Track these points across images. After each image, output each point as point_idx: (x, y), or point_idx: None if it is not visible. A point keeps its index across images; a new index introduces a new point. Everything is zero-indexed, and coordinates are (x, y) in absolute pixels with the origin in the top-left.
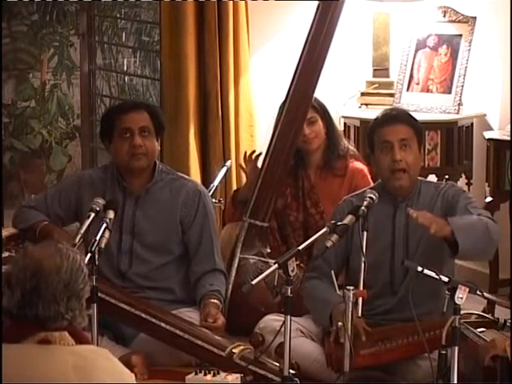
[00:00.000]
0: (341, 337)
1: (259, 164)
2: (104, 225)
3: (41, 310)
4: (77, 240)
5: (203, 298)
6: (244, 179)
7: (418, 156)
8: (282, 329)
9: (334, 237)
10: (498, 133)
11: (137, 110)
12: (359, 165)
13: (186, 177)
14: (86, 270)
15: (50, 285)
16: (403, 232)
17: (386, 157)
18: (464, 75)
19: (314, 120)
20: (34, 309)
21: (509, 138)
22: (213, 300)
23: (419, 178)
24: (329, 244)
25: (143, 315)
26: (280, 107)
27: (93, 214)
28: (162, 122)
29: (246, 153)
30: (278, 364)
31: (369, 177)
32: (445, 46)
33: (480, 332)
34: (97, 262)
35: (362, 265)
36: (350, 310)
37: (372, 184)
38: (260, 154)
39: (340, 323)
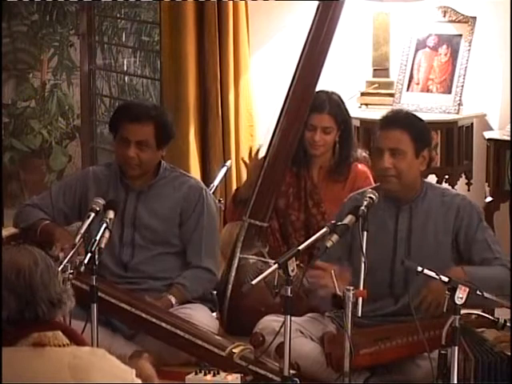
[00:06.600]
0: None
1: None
2: (104, 225)
3: (43, 306)
4: (77, 240)
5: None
6: (244, 178)
7: (412, 162)
8: (282, 329)
9: (334, 237)
10: (498, 133)
11: (141, 122)
12: (362, 167)
13: (190, 175)
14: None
15: (36, 278)
16: (406, 235)
17: (378, 162)
18: (464, 75)
19: (330, 131)
20: (35, 307)
21: (509, 138)
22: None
23: (426, 181)
24: (329, 244)
25: (143, 315)
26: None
27: (93, 214)
28: (168, 134)
29: (251, 148)
30: (277, 364)
31: (371, 179)
32: (445, 46)
33: (480, 332)
34: (97, 262)
35: (362, 265)
36: (350, 310)
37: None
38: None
39: None
